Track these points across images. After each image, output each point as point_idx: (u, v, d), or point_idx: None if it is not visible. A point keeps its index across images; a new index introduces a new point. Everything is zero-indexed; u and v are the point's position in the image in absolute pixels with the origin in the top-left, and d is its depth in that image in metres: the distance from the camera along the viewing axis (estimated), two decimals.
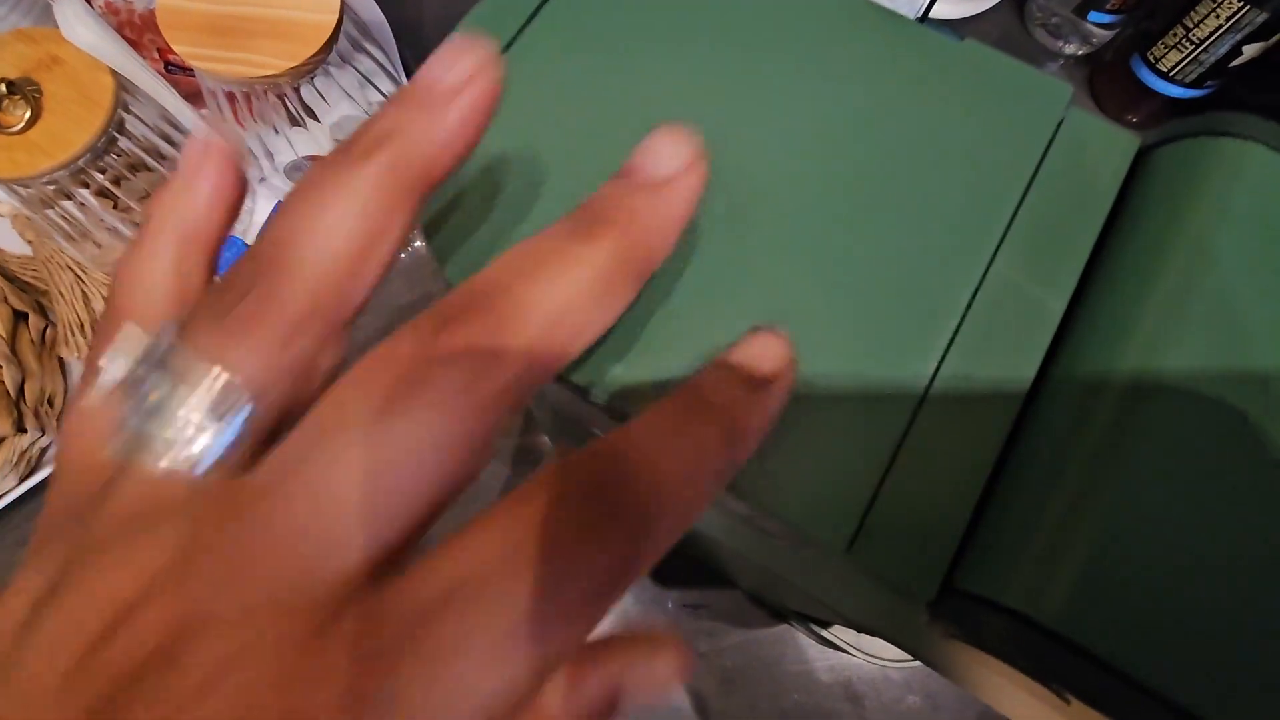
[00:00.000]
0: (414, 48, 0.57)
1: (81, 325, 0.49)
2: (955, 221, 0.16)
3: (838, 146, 0.17)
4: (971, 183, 0.17)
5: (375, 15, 0.55)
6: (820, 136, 0.17)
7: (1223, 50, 0.50)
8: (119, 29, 0.48)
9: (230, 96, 0.47)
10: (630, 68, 0.17)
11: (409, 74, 0.54)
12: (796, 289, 0.16)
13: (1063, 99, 0.17)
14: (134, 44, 0.44)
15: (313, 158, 0.50)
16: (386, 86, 0.51)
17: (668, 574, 0.48)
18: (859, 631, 0.43)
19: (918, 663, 0.45)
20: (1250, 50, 0.50)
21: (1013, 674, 0.15)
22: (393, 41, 0.54)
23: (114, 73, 0.43)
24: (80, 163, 0.41)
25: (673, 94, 0.17)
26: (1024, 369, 0.15)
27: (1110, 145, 0.17)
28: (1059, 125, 0.17)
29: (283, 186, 0.53)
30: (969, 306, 0.16)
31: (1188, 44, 0.51)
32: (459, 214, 0.16)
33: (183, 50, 0.42)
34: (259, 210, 0.54)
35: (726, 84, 0.17)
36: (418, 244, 0.56)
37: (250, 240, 0.52)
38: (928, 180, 0.17)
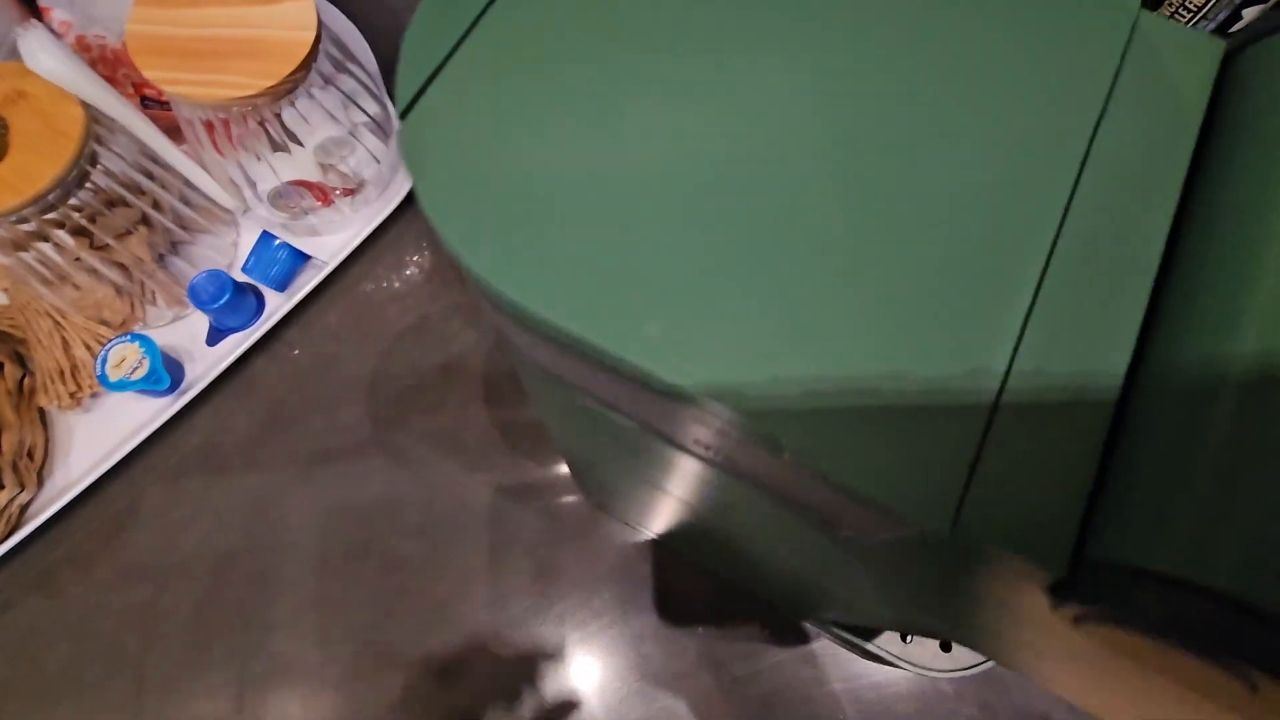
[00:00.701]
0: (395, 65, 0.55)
1: (61, 373, 0.47)
2: (1025, 159, 0.14)
3: (892, 79, 0.15)
4: (1039, 109, 0.15)
5: (354, 35, 0.54)
6: (875, 68, 0.15)
7: (1222, 16, 0.49)
8: (91, 66, 0.46)
9: (209, 125, 0.45)
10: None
11: (390, 92, 0.53)
12: (871, 251, 0.14)
13: (1133, 4, 0.15)
14: (108, 80, 0.42)
15: (297, 183, 0.48)
16: (371, 107, 0.50)
17: (692, 598, 0.45)
18: (920, 634, 0.40)
19: (970, 672, 0.42)
20: (1249, 14, 0.49)
21: (1169, 664, 0.12)
22: (373, 60, 0.52)
23: (84, 104, 0.41)
24: (50, 198, 0.39)
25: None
26: (1128, 314, 0.13)
27: (1191, 51, 0.15)
28: (1131, 32, 0.15)
29: (267, 216, 0.51)
30: (1050, 256, 0.14)
31: (1185, 12, 0.50)
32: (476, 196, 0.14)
33: (156, 76, 0.40)
34: (243, 242, 0.52)
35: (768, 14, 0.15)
36: (409, 271, 0.54)
37: (235, 273, 0.50)
38: (991, 112, 0.15)
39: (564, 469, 0.48)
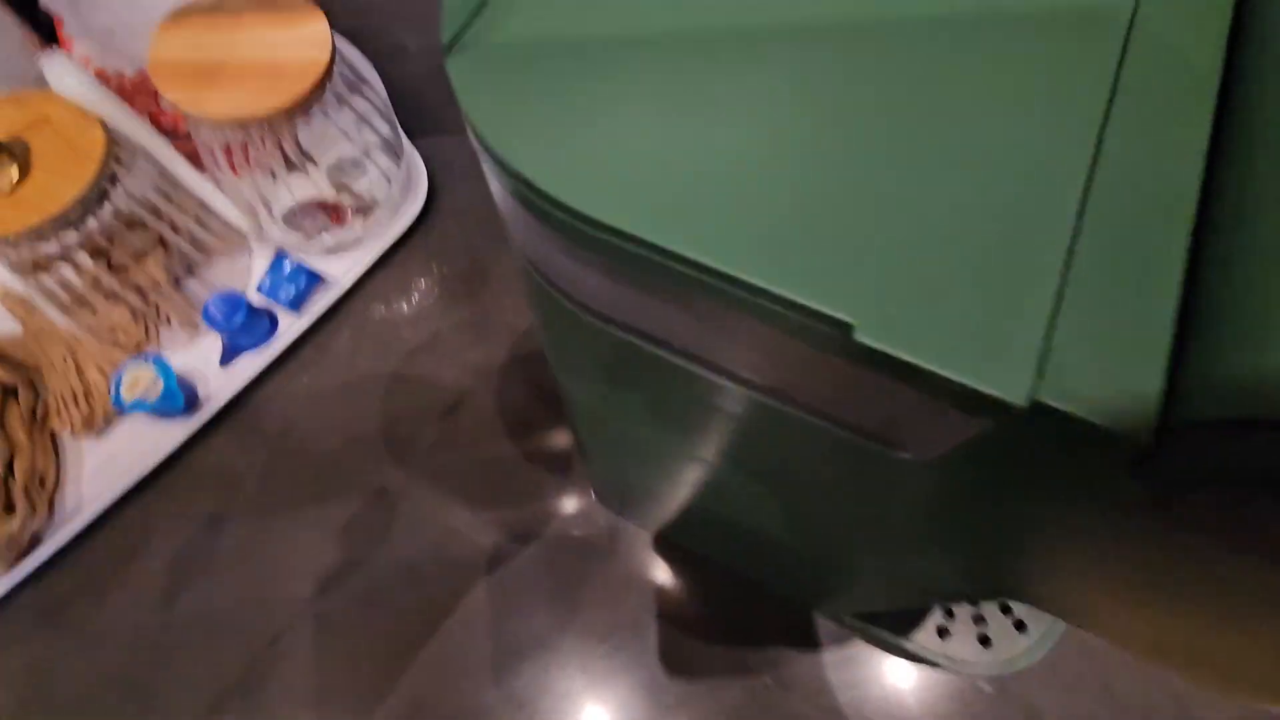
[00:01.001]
0: (400, 86, 0.57)
1: (75, 397, 0.46)
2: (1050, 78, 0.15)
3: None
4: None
5: (363, 61, 0.55)
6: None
7: None
8: None
9: (227, 150, 0.46)
10: None
11: (399, 112, 0.54)
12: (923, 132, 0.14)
13: None
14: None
15: (312, 203, 0.49)
16: (382, 128, 0.51)
17: (718, 607, 0.44)
18: (968, 598, 0.39)
19: (1011, 669, 0.41)
20: None
21: (1271, 537, 0.12)
22: (382, 85, 0.54)
23: (105, 127, 0.42)
24: (71, 216, 0.40)
25: None
26: (1192, 144, 0.13)
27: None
28: None
29: (281, 237, 0.51)
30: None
31: None
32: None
33: (177, 98, 0.41)
34: (257, 265, 0.52)
35: None
36: (420, 291, 0.54)
37: (251, 296, 0.50)
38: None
39: (580, 500, 0.47)
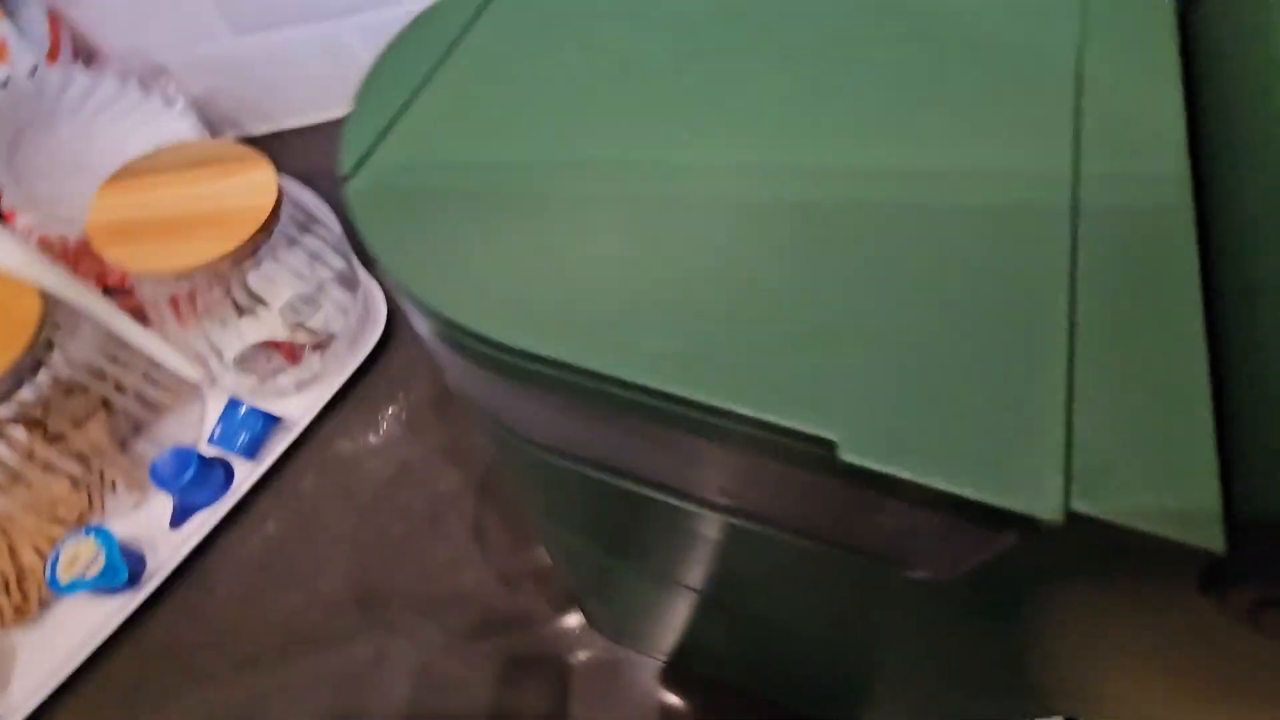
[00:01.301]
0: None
1: (6, 584, 0.42)
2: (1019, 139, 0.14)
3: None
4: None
5: (317, 201, 0.55)
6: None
7: None
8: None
9: (174, 302, 0.45)
10: None
11: (355, 246, 0.54)
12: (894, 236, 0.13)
13: None
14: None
15: (265, 344, 0.47)
16: (336, 262, 0.50)
17: None
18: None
19: None
20: None
21: None
22: (337, 222, 0.54)
23: (43, 296, 0.40)
24: (1, 389, 0.37)
25: None
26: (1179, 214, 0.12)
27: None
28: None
29: (235, 383, 0.49)
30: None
31: None
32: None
33: (118, 257, 0.40)
34: (210, 414, 0.50)
35: None
36: (385, 421, 0.52)
37: (204, 448, 0.48)
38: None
39: (571, 620, 0.43)
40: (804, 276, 0.12)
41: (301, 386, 0.51)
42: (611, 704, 0.40)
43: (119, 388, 0.45)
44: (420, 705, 0.41)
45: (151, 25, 0.57)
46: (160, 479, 0.44)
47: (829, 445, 0.10)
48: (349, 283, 0.52)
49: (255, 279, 0.45)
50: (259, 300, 0.47)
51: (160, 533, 0.45)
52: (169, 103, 0.55)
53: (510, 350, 0.12)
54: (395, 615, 0.44)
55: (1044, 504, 0.10)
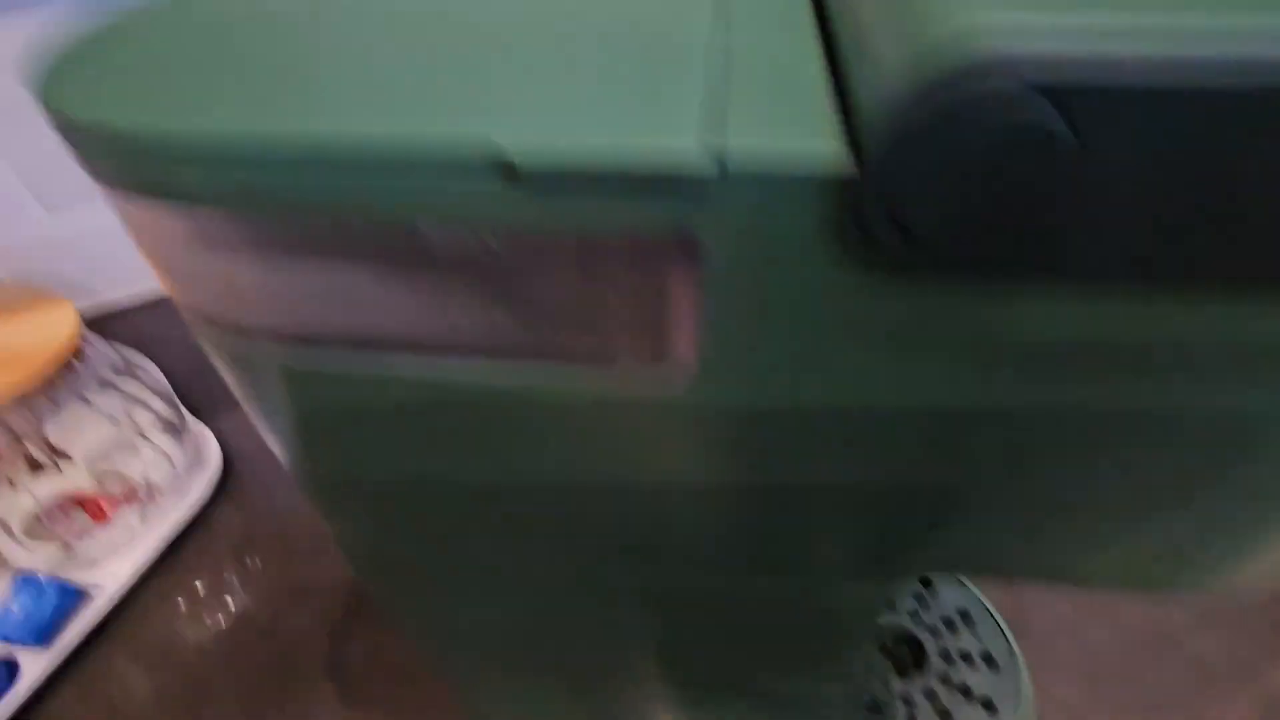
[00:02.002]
0: (190, 367, 0.54)
1: None
2: None
3: None
4: None
5: (139, 354, 0.52)
6: None
7: None
8: None
9: None
10: None
11: (180, 393, 0.51)
12: None
13: None
14: None
15: (67, 501, 0.41)
16: (160, 407, 0.47)
17: None
18: None
19: None
20: None
21: None
22: (160, 373, 0.50)
23: None
24: None
25: None
26: None
27: None
28: None
29: (25, 556, 0.42)
30: None
31: None
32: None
33: None
34: None
35: None
36: (224, 573, 0.46)
37: None
38: None
39: None
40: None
41: (115, 550, 0.45)
42: None
43: None
44: None
45: None
46: None
47: (509, 168, 0.11)
48: (174, 429, 0.48)
49: (54, 428, 0.41)
50: (59, 453, 0.42)
51: None
52: None
53: (184, 141, 0.11)
54: None
55: (702, 160, 0.10)
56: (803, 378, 0.13)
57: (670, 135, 0.10)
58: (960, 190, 0.10)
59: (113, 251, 0.62)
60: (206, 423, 0.53)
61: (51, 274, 0.62)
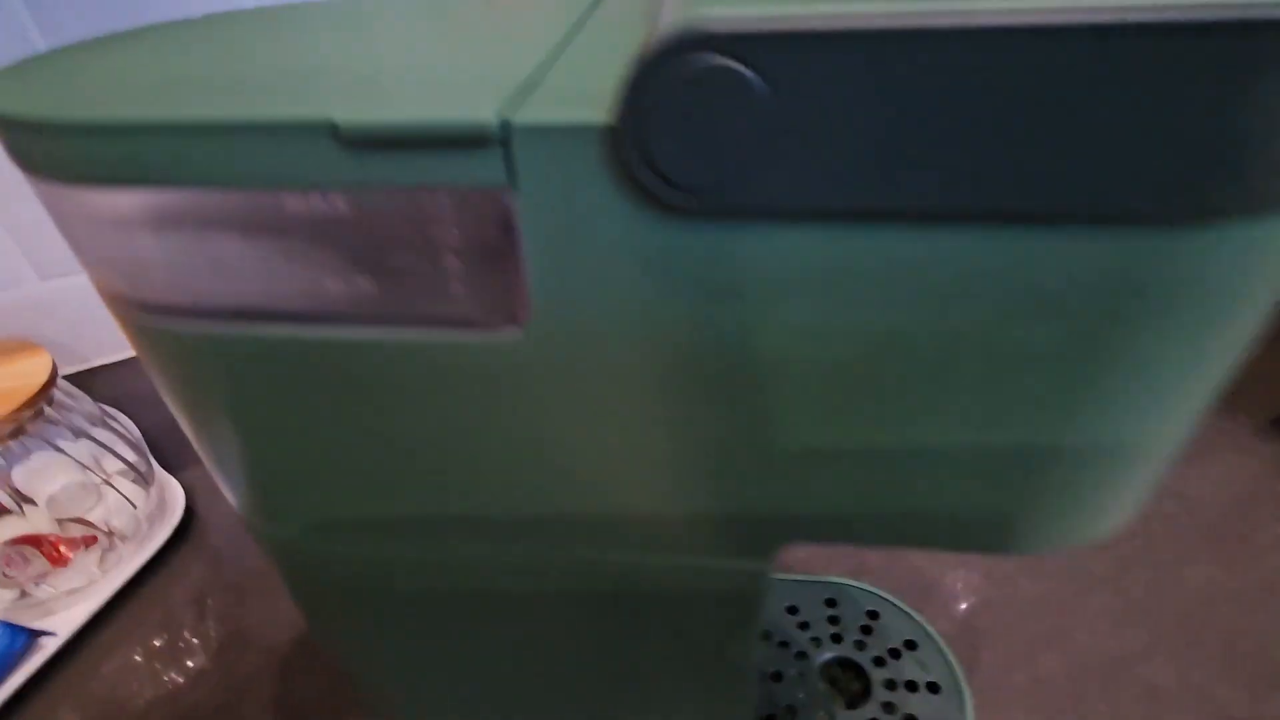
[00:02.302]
0: (164, 423, 0.56)
1: None
2: None
3: None
4: None
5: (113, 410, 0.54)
6: None
7: None
8: None
9: None
10: None
11: (151, 446, 0.52)
12: None
13: None
14: None
15: (21, 540, 0.42)
16: (129, 455, 0.48)
17: None
18: None
19: None
20: None
21: None
22: (130, 420, 0.52)
23: None
24: None
25: None
26: None
27: None
28: None
29: None
30: None
31: None
32: None
33: None
34: None
35: None
36: (182, 623, 0.46)
37: None
38: None
39: None
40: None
41: (72, 595, 0.45)
42: None
43: None
44: None
45: None
46: None
47: (332, 127, 0.13)
48: (141, 478, 0.49)
49: (21, 472, 0.43)
50: (24, 499, 0.43)
51: None
52: None
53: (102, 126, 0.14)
54: None
55: (487, 113, 0.12)
56: (623, 327, 0.15)
57: (468, 108, 0.13)
58: (685, 138, 0.12)
59: (96, 315, 0.65)
60: (174, 474, 0.54)
61: (40, 334, 0.65)
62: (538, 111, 0.13)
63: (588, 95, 0.13)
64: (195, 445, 0.21)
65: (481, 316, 0.16)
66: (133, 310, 0.17)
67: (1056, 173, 0.12)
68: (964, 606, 0.44)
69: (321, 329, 0.16)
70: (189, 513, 0.52)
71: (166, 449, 0.55)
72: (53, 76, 0.16)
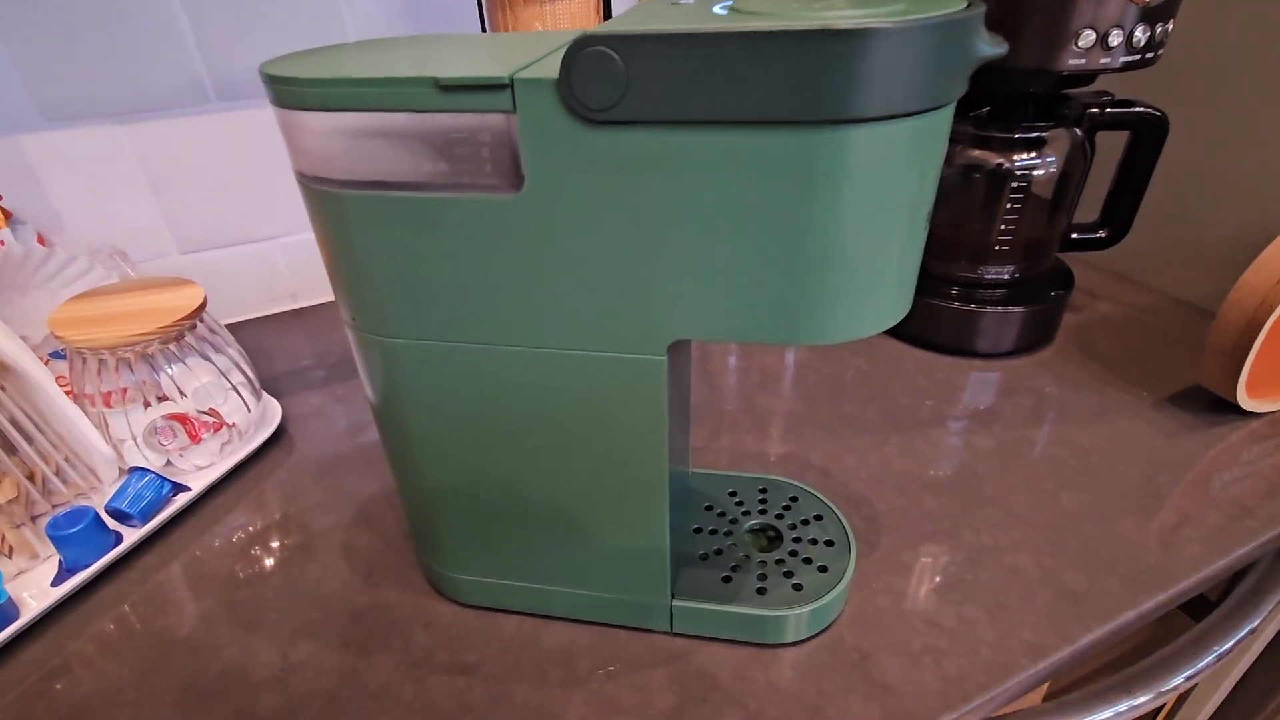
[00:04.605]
0: (263, 363, 0.72)
1: None
2: None
3: None
4: None
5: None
6: None
7: None
8: None
9: (105, 397, 0.57)
10: None
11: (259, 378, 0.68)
12: None
13: None
14: None
15: (174, 417, 0.58)
16: (248, 371, 0.64)
17: None
18: None
19: (831, 604, 0.44)
20: None
21: None
22: (244, 355, 0.68)
23: None
24: None
25: None
26: None
27: None
28: None
29: (141, 459, 0.58)
30: None
31: None
32: None
33: (65, 335, 0.53)
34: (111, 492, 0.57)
35: None
36: (270, 507, 0.60)
37: (102, 512, 0.54)
38: None
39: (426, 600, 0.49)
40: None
41: (199, 469, 0.60)
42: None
43: (42, 456, 0.54)
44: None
45: (119, 243, 0.77)
46: (54, 531, 0.51)
47: (435, 80, 0.28)
48: (254, 392, 0.65)
49: (177, 370, 0.59)
50: (177, 389, 0.59)
51: (41, 591, 0.50)
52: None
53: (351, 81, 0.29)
54: (283, 679, 0.47)
55: (498, 74, 0.27)
56: (573, 189, 0.29)
57: (496, 71, 0.28)
58: (590, 85, 0.26)
59: (220, 283, 0.83)
60: (274, 395, 0.70)
61: None
62: (526, 73, 0.27)
63: (549, 68, 0.28)
64: (332, 276, 0.35)
65: (499, 185, 0.30)
66: (318, 183, 0.32)
67: (766, 98, 0.25)
68: (875, 509, 0.55)
69: (419, 193, 0.31)
70: (281, 427, 0.67)
71: (269, 383, 0.72)
72: (303, 60, 0.32)
